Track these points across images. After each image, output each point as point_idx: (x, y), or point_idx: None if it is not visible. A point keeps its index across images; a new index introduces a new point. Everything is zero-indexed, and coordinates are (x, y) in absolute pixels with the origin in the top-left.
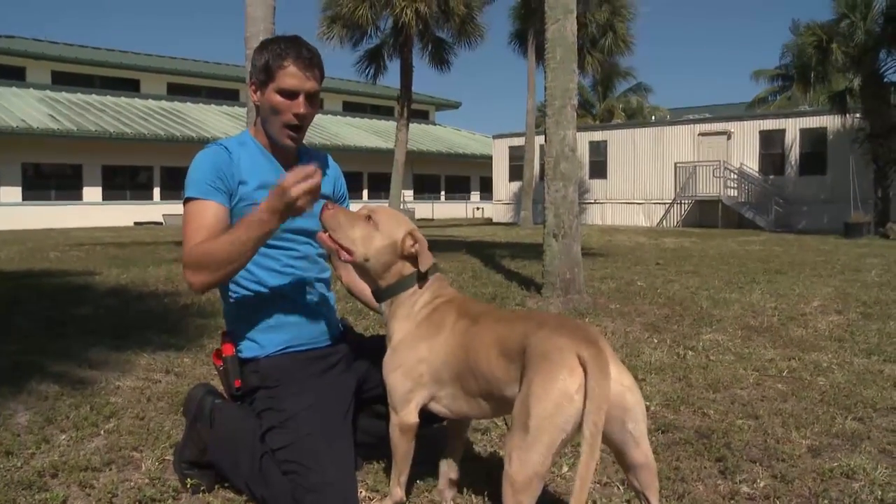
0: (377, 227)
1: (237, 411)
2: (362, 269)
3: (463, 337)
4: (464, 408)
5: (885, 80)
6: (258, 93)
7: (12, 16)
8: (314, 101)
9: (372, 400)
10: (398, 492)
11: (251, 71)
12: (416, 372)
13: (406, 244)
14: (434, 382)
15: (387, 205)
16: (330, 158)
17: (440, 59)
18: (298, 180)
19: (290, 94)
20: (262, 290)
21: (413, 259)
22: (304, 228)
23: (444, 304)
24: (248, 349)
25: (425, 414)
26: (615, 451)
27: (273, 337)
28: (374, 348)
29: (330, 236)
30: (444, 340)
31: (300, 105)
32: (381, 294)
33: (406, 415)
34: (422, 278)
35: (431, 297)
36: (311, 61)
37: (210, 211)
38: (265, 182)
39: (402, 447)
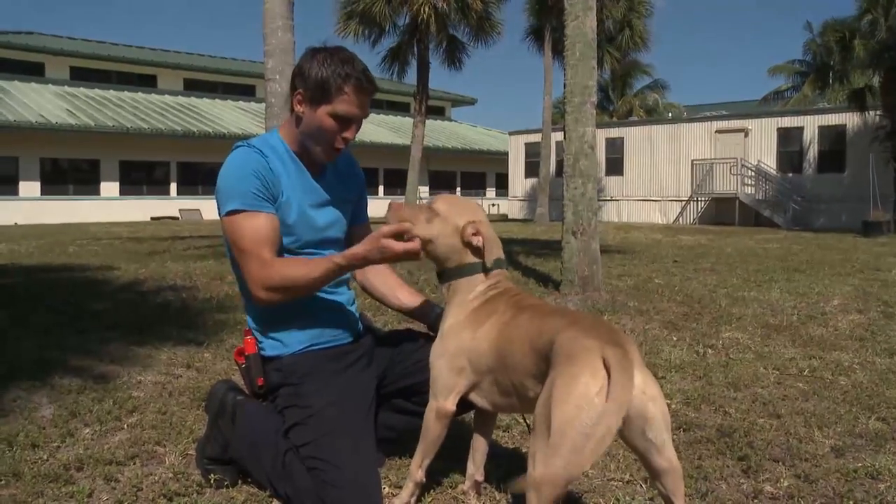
0: (437, 214)
1: (260, 408)
2: (426, 253)
3: (504, 329)
4: (500, 400)
5: None
6: (304, 106)
7: (32, 12)
8: (361, 124)
9: (392, 395)
10: (420, 474)
11: (299, 79)
12: (458, 361)
13: (466, 232)
14: (474, 372)
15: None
16: (352, 156)
17: (453, 58)
18: (403, 249)
19: (345, 121)
20: None
21: (475, 249)
22: (331, 238)
23: (497, 296)
24: (271, 347)
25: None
26: (639, 456)
27: (297, 335)
28: (394, 343)
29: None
30: (486, 331)
31: (351, 131)
32: (442, 276)
33: (444, 402)
34: (485, 270)
35: (486, 289)
36: (369, 91)
37: (265, 223)
38: (294, 195)
39: (434, 433)
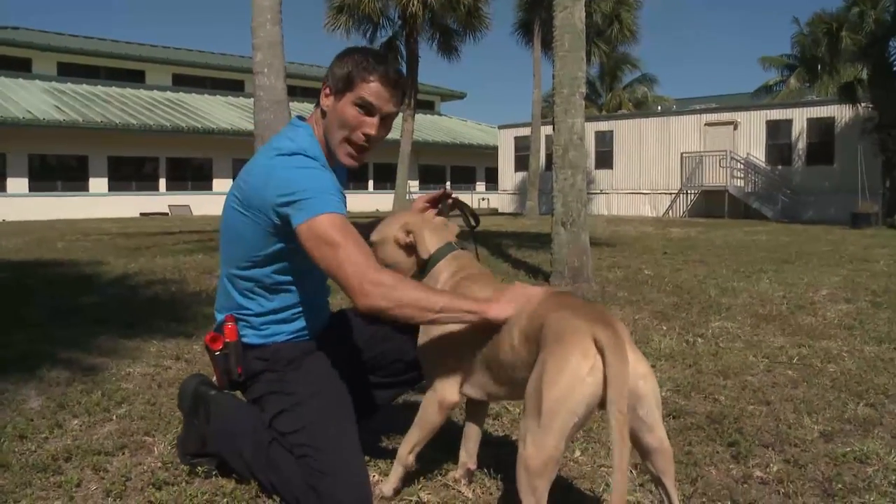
0: (375, 243)
1: (234, 401)
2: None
3: None
4: (493, 389)
5: (895, 69)
6: (331, 99)
7: (18, 7)
8: (388, 125)
9: (369, 369)
10: (411, 459)
11: (327, 76)
12: (448, 349)
13: (399, 238)
14: (465, 360)
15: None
16: None
17: (448, 47)
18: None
19: (368, 109)
20: (280, 284)
21: (412, 247)
22: None
23: (468, 281)
24: (255, 336)
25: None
26: (630, 436)
27: (285, 326)
28: (346, 321)
29: None
30: None
31: (374, 124)
32: None
33: (446, 392)
34: (429, 259)
35: (451, 275)
36: (396, 83)
37: (354, 227)
38: None
39: (434, 422)
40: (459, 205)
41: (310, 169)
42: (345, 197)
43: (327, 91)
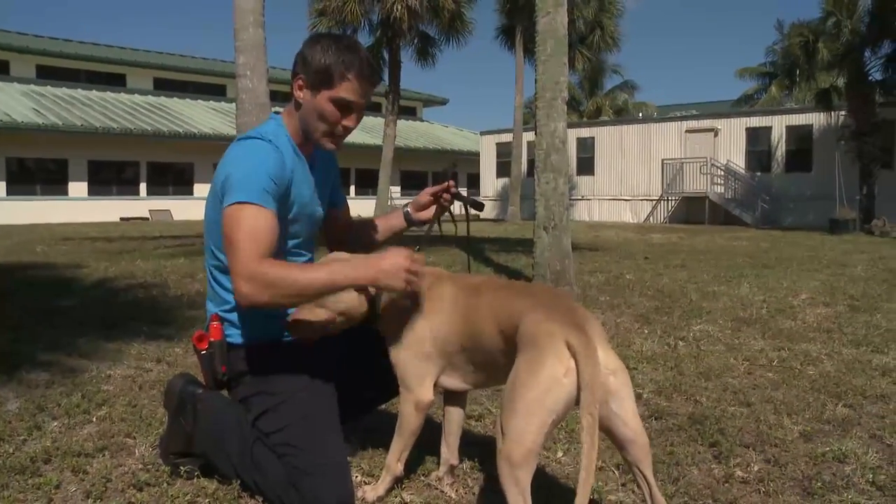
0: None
1: (221, 400)
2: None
3: (465, 310)
4: (472, 379)
5: (870, 78)
6: (306, 91)
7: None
8: (362, 114)
9: (357, 371)
10: (399, 467)
11: (300, 64)
12: (421, 349)
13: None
14: (441, 357)
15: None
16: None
17: (425, 53)
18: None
19: (346, 107)
20: None
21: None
22: (316, 232)
23: (436, 282)
24: (239, 336)
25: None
26: (604, 430)
27: (268, 326)
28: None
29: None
30: (445, 316)
31: (352, 119)
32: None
33: (421, 392)
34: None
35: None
36: (372, 78)
37: (268, 222)
38: (298, 190)
39: (414, 424)
40: (459, 197)
41: (254, 158)
42: (281, 183)
43: (301, 83)
